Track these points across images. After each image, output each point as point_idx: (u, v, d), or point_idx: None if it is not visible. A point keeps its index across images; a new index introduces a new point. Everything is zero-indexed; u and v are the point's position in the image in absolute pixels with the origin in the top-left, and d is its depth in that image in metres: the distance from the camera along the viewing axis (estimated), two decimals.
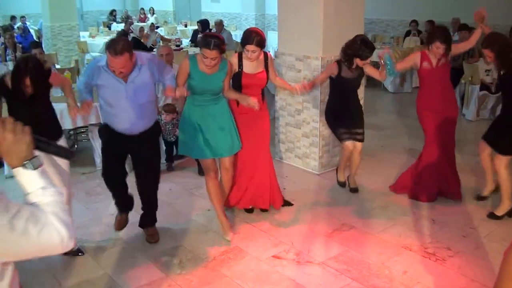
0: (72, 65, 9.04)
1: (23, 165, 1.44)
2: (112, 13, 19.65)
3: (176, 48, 10.54)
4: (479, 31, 4.84)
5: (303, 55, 5.54)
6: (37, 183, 1.45)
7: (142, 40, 10.38)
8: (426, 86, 4.85)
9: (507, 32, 10.11)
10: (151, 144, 4.11)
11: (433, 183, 4.92)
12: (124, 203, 4.38)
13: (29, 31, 13.15)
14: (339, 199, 5.04)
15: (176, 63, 6.07)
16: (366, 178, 5.57)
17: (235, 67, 4.33)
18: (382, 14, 13.19)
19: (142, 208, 4.32)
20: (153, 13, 19.42)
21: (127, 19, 15.47)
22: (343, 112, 4.98)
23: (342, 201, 5.01)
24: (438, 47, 4.64)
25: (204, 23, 11.68)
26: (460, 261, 3.89)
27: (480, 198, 4.98)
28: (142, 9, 20.15)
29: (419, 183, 4.97)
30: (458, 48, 4.97)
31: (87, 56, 11.76)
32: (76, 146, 6.72)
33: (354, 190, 5.23)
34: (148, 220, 4.34)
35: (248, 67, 4.33)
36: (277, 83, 4.76)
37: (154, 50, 9.16)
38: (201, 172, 5.83)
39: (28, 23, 14.66)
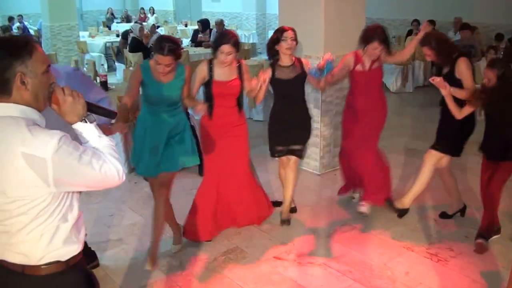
0: (72, 65, 9.03)
1: (82, 120, 1.84)
2: (109, 11, 19.54)
3: None
4: (414, 44, 4.55)
5: (304, 55, 5.48)
6: (94, 133, 1.85)
7: (143, 40, 10.33)
8: (357, 89, 4.55)
9: (510, 31, 10.11)
10: None
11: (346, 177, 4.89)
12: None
13: (28, 31, 13.12)
14: (340, 199, 5.01)
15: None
16: None
17: (205, 75, 3.94)
18: (384, 13, 13.16)
19: None
20: (153, 13, 19.38)
21: (128, 19, 15.49)
22: (284, 123, 4.35)
23: (343, 201, 4.98)
24: (375, 48, 4.29)
25: (204, 23, 11.66)
26: (462, 262, 3.87)
27: (446, 215, 4.63)
28: (142, 8, 20.11)
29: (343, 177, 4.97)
30: (393, 58, 4.66)
31: (87, 56, 11.75)
32: None
33: (292, 211, 4.68)
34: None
35: (220, 74, 3.94)
36: (251, 94, 4.16)
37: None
38: (201, 172, 5.80)
39: (27, 23, 14.64)
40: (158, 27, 15.12)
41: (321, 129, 5.61)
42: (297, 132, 4.37)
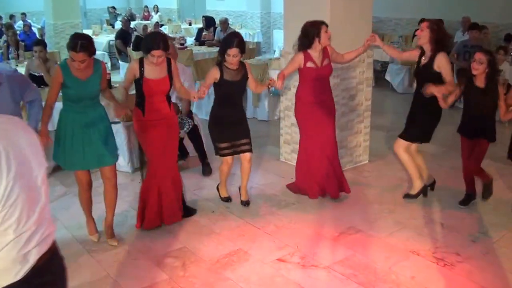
0: None
1: None
2: (110, 9, 19.49)
3: (180, 46, 10.46)
4: (359, 51, 4.88)
5: None
6: None
7: None
8: (308, 85, 4.71)
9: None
10: None
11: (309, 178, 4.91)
12: None
13: (32, 29, 13.09)
14: (345, 201, 4.96)
15: (179, 62, 6.01)
16: (374, 180, 5.50)
17: (136, 73, 4.09)
18: (391, 12, 13.09)
19: None
20: (157, 11, 19.33)
21: (130, 17, 15.44)
22: (226, 121, 4.60)
23: (348, 203, 4.92)
24: (326, 30, 4.57)
25: (209, 19, 11.62)
26: (469, 267, 3.81)
27: (408, 196, 4.98)
28: (146, 6, 20.06)
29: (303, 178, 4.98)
30: (338, 56, 4.82)
31: None
32: None
33: (246, 203, 4.93)
34: None
35: (150, 72, 4.09)
36: (181, 93, 4.50)
37: None
38: (205, 172, 5.77)
39: (29, 21, 14.60)
40: (162, 25, 15.09)
41: None
42: (242, 128, 4.71)
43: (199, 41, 11.37)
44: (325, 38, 4.54)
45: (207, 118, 7.81)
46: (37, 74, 6.79)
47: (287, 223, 4.54)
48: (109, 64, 12.15)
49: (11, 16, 14.99)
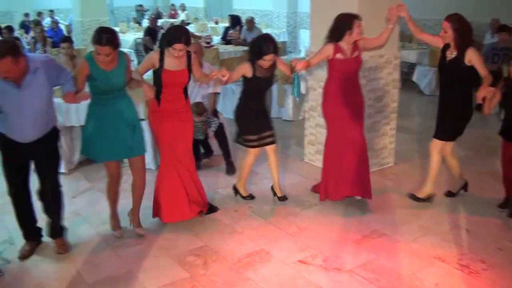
0: None
1: None
2: (138, 8, 19.70)
3: (206, 45, 10.49)
4: (389, 29, 4.69)
5: None
6: None
7: None
8: (337, 79, 4.63)
9: None
10: (49, 151, 3.87)
11: (336, 179, 4.78)
12: (30, 228, 4.09)
13: (59, 26, 13.29)
14: (370, 204, 4.88)
15: (205, 61, 6.02)
16: (399, 183, 5.42)
17: (155, 63, 4.14)
18: (419, 13, 12.87)
19: (48, 218, 4.09)
20: (184, 10, 19.45)
21: (157, 16, 15.55)
22: (255, 113, 4.71)
23: (373, 206, 4.85)
24: (359, 25, 4.50)
25: (235, 18, 11.63)
26: (494, 275, 3.71)
27: (451, 194, 5.05)
28: (173, 5, 20.20)
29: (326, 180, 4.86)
30: (369, 42, 4.72)
31: None
32: None
33: (283, 199, 4.98)
34: (55, 230, 4.10)
35: (170, 64, 4.15)
36: (202, 80, 4.61)
37: None
38: (229, 171, 5.77)
39: (57, 18, 14.82)
40: (188, 23, 15.16)
41: None
42: (266, 120, 4.82)
43: (226, 40, 11.39)
44: (357, 32, 4.48)
45: (232, 116, 7.91)
46: None
47: (310, 225, 4.50)
48: (135, 62, 12.25)
49: (39, 13, 15.22)
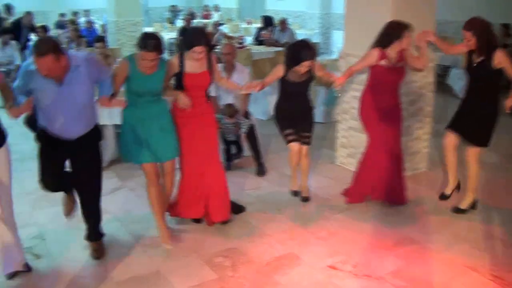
0: None
1: None
2: (171, 8, 19.91)
3: (238, 46, 10.48)
4: (424, 55, 4.71)
5: None
6: None
7: None
8: (377, 86, 4.60)
9: None
10: (90, 149, 3.85)
11: (367, 184, 4.83)
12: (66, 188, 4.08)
13: (94, 25, 13.50)
14: (402, 211, 4.79)
15: (238, 62, 6.01)
16: (432, 190, 5.29)
17: (175, 69, 4.09)
18: (454, 15, 12.63)
19: (85, 221, 4.04)
20: (218, 10, 19.54)
21: (191, 16, 15.66)
22: (290, 113, 4.76)
23: (405, 213, 4.75)
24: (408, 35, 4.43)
25: (267, 19, 11.61)
26: None
27: (444, 197, 4.95)
28: (206, 6, 20.32)
29: (355, 183, 4.91)
30: (414, 60, 4.68)
31: None
32: None
33: (305, 199, 5.01)
34: (92, 234, 4.06)
35: (191, 67, 4.09)
36: (222, 84, 4.57)
37: (217, 48, 9.13)
38: (259, 173, 5.74)
39: (92, 17, 15.07)
40: (222, 24, 15.21)
41: None
42: (306, 122, 4.83)
43: (258, 40, 11.38)
44: (406, 42, 4.44)
45: (263, 118, 7.90)
46: None
47: (340, 229, 4.44)
48: None
49: (75, 13, 15.50)
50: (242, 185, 5.39)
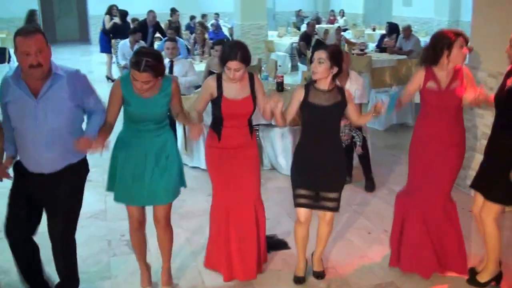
0: (255, 63, 9.22)
1: None
2: (297, 13, 20.00)
3: (360, 52, 10.18)
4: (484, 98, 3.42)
5: (497, 71, 4.76)
6: None
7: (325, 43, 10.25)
8: (427, 113, 3.59)
9: None
10: (66, 188, 3.09)
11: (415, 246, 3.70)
12: (30, 280, 3.31)
13: (221, 28, 13.90)
14: None
15: (353, 69, 5.74)
16: None
17: (213, 92, 3.46)
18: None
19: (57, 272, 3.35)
20: (343, 16, 19.29)
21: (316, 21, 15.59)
22: (309, 159, 3.48)
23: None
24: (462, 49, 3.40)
25: (392, 26, 11.15)
26: None
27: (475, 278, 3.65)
28: (332, 11, 20.16)
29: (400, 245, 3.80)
30: (472, 87, 3.49)
31: (272, 55, 12.00)
32: None
33: (319, 276, 3.77)
34: None
35: (230, 91, 3.44)
36: (265, 114, 3.54)
37: None
38: (368, 188, 5.45)
39: (221, 21, 15.54)
40: (346, 30, 14.95)
41: None
42: (332, 174, 3.52)
43: (380, 47, 10.96)
44: (457, 55, 3.41)
45: (380, 128, 7.52)
46: (216, 71, 7.07)
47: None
48: (289, 65, 12.41)
49: (203, 16, 16.08)
50: (349, 200, 5.13)
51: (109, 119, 3.25)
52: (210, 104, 3.57)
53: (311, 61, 3.56)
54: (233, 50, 3.33)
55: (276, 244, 4.18)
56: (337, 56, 3.35)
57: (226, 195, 3.60)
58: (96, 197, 5.01)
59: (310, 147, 3.48)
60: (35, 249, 3.24)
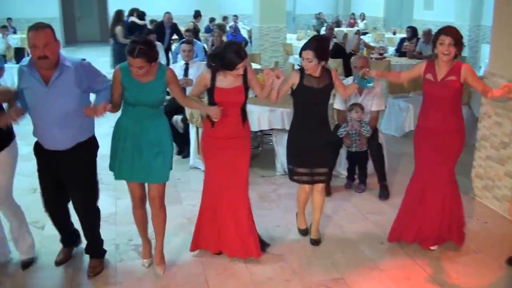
0: (272, 65, 9.16)
1: None
2: (317, 16, 19.86)
3: (378, 56, 10.06)
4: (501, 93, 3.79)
5: None
6: None
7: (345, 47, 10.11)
8: (426, 103, 4.00)
9: None
10: (81, 164, 3.61)
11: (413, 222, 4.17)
12: (65, 236, 4.00)
13: (239, 31, 13.85)
14: None
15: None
16: None
17: (207, 83, 3.76)
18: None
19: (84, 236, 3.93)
20: (363, 19, 19.11)
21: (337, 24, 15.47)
22: (303, 140, 4.03)
23: None
24: (441, 42, 3.72)
25: (413, 30, 10.99)
26: None
27: None
28: (353, 14, 19.98)
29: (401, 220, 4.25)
30: (475, 81, 3.84)
31: (290, 59, 11.91)
32: (260, 148, 6.71)
33: (315, 242, 4.29)
34: (89, 250, 3.92)
35: (223, 81, 3.72)
36: (263, 97, 3.93)
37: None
38: (381, 196, 5.34)
39: (241, 23, 15.49)
40: (366, 33, 14.79)
41: None
42: (322, 152, 4.12)
43: (400, 52, 10.81)
44: (440, 50, 3.76)
45: (396, 134, 7.41)
46: None
47: (463, 276, 3.87)
48: None
49: (224, 18, 16.07)
50: (361, 208, 5.04)
51: (114, 98, 3.63)
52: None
53: (300, 56, 3.95)
54: (238, 53, 3.63)
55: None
56: (323, 52, 3.84)
57: (219, 176, 3.88)
58: (107, 200, 4.96)
59: (303, 128, 4.04)
60: (66, 209, 3.89)
